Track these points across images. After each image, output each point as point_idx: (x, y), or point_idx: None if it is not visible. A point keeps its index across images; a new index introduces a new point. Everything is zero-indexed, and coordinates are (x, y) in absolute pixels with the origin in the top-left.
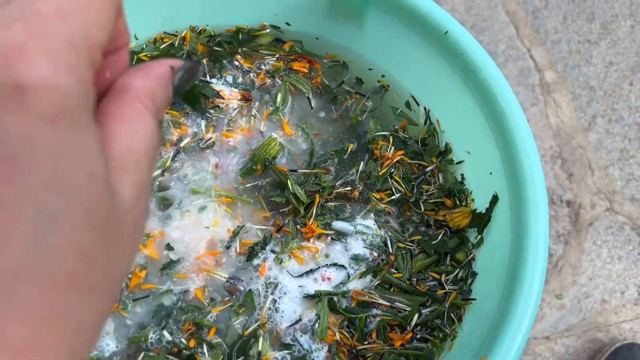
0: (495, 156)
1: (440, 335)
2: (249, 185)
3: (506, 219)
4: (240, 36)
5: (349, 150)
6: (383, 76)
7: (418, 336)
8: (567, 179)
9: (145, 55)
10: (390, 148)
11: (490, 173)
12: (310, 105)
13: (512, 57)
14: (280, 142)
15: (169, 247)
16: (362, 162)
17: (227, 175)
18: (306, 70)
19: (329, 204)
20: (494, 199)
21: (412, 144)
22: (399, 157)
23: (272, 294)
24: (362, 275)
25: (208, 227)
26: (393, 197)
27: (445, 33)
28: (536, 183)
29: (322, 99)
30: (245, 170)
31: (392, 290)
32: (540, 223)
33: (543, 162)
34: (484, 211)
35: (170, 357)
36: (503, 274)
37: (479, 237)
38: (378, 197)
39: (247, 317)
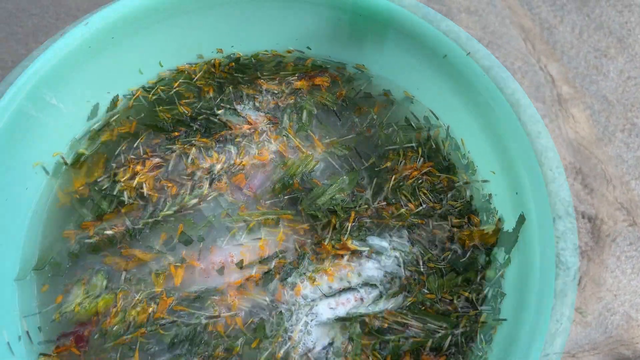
0: (521, 176)
1: (474, 357)
2: (287, 197)
3: (534, 238)
4: (262, 60)
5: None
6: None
7: (451, 359)
8: (587, 194)
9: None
10: (420, 159)
11: (516, 193)
12: (338, 118)
13: (528, 73)
14: (315, 158)
15: (220, 272)
16: (392, 175)
17: (264, 195)
18: (328, 84)
19: (364, 219)
20: (521, 219)
21: (438, 155)
22: (427, 169)
23: (306, 315)
24: (394, 295)
25: (247, 249)
26: (421, 207)
27: (467, 54)
28: (563, 200)
29: (348, 112)
30: (281, 184)
31: (423, 309)
32: (568, 241)
33: None
34: (511, 230)
35: None
36: (534, 294)
37: (507, 257)
38: (408, 209)
39: (275, 341)
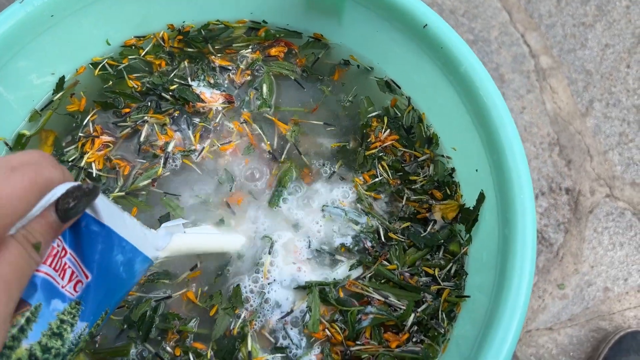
0: (480, 153)
1: (435, 334)
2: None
3: (493, 217)
4: (212, 32)
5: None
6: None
7: (414, 338)
8: (565, 166)
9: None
10: (386, 130)
11: (477, 170)
12: (302, 86)
13: (505, 43)
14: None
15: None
16: (360, 149)
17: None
18: (283, 55)
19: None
20: (481, 197)
21: (400, 127)
22: (391, 142)
23: (269, 252)
24: (353, 266)
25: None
26: (376, 179)
27: (424, 27)
28: (522, 180)
29: (308, 82)
30: (275, 198)
31: (384, 282)
32: (527, 222)
33: (540, 149)
34: (471, 208)
35: None
36: (491, 274)
37: (468, 235)
38: (363, 179)
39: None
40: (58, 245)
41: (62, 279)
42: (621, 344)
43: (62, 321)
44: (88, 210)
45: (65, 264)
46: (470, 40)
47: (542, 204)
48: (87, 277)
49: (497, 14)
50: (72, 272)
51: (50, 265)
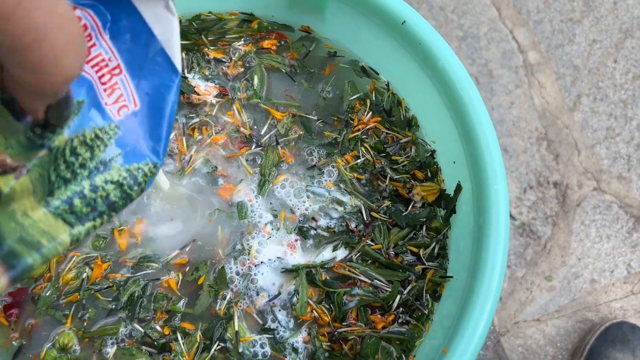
0: (457, 146)
1: (420, 315)
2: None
3: (469, 207)
4: (205, 22)
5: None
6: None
7: (400, 319)
8: (553, 160)
9: None
10: (368, 113)
11: (454, 162)
12: (293, 80)
13: (494, 39)
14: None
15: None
16: (343, 132)
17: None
18: (276, 48)
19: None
20: (458, 189)
21: (381, 111)
22: (373, 124)
23: (254, 236)
24: (337, 246)
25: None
26: (358, 160)
27: (402, 23)
28: (497, 172)
29: (299, 74)
30: (262, 187)
31: (370, 263)
32: (500, 212)
33: (529, 143)
34: (450, 195)
35: (144, 347)
36: (467, 260)
37: (447, 224)
38: (346, 160)
39: (219, 296)
40: (110, 60)
41: (109, 96)
42: (607, 334)
43: (97, 136)
44: (163, 45)
45: (115, 82)
46: (460, 36)
47: (530, 197)
48: (135, 105)
49: (486, 11)
50: (121, 95)
51: (97, 72)
